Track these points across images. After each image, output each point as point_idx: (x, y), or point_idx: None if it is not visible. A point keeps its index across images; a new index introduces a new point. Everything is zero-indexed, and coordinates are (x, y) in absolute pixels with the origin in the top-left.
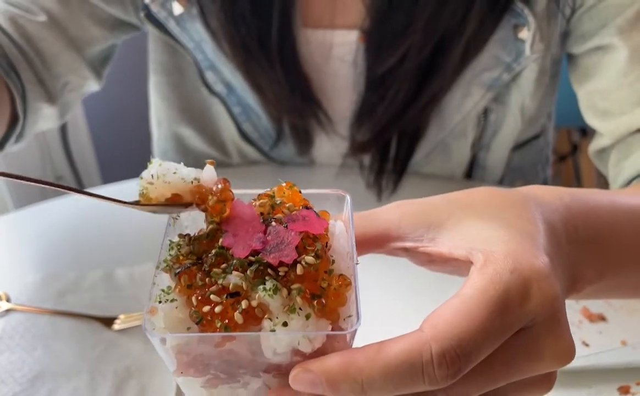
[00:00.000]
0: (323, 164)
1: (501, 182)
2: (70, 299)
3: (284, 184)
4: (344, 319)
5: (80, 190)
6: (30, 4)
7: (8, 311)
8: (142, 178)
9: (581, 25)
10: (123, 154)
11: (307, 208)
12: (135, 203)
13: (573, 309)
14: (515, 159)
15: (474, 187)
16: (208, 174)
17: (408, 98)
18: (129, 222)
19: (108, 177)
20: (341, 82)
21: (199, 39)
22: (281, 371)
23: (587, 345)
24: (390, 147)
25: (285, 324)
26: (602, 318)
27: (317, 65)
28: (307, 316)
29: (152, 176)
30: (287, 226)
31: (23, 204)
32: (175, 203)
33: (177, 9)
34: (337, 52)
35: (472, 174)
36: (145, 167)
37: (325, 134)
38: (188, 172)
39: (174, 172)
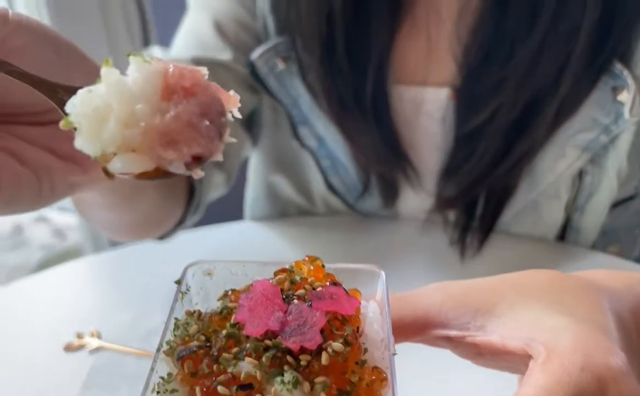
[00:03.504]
0: (407, 218)
1: (594, 246)
2: (155, 341)
3: (305, 259)
4: None
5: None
6: None
7: (98, 348)
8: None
9: None
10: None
11: (334, 283)
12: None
13: None
14: (607, 221)
15: (567, 250)
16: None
17: (497, 156)
18: None
19: (209, 216)
20: (429, 138)
21: (295, 95)
22: None
23: None
24: (477, 204)
25: None
26: None
27: (407, 120)
28: None
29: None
30: (311, 304)
31: (118, 244)
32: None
33: (280, 65)
34: (427, 109)
35: (564, 236)
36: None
37: (411, 188)
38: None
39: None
